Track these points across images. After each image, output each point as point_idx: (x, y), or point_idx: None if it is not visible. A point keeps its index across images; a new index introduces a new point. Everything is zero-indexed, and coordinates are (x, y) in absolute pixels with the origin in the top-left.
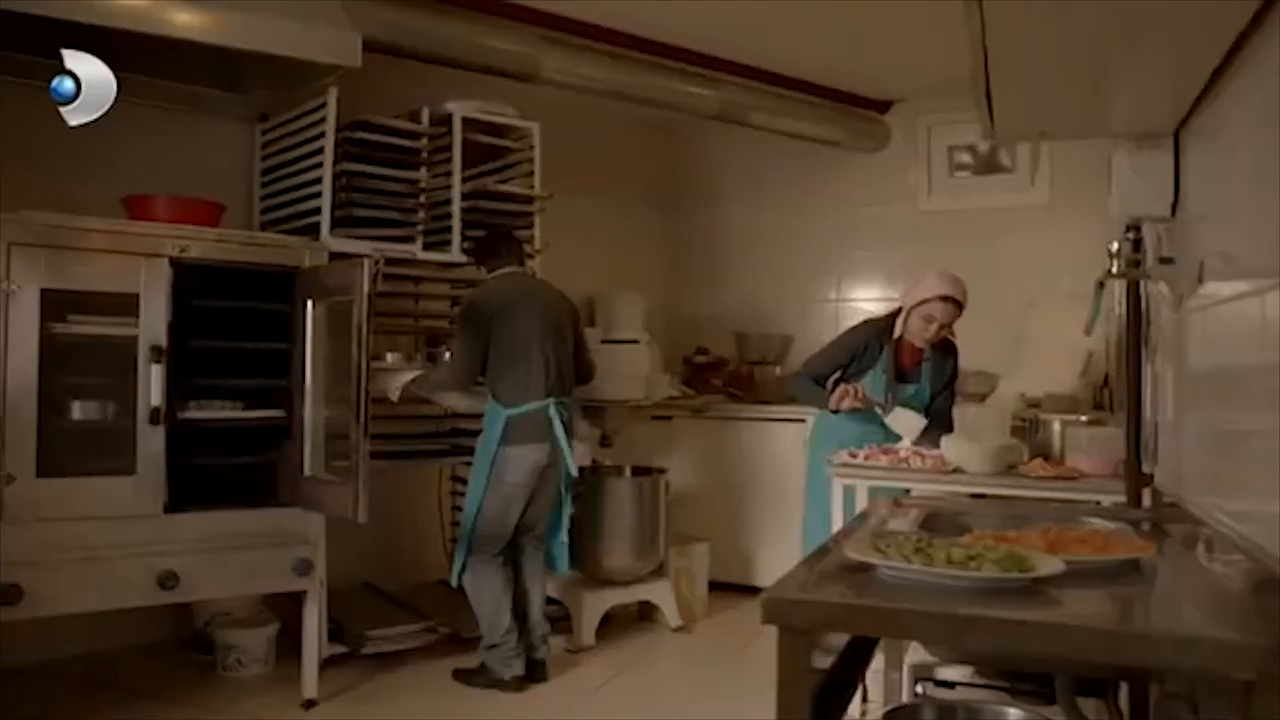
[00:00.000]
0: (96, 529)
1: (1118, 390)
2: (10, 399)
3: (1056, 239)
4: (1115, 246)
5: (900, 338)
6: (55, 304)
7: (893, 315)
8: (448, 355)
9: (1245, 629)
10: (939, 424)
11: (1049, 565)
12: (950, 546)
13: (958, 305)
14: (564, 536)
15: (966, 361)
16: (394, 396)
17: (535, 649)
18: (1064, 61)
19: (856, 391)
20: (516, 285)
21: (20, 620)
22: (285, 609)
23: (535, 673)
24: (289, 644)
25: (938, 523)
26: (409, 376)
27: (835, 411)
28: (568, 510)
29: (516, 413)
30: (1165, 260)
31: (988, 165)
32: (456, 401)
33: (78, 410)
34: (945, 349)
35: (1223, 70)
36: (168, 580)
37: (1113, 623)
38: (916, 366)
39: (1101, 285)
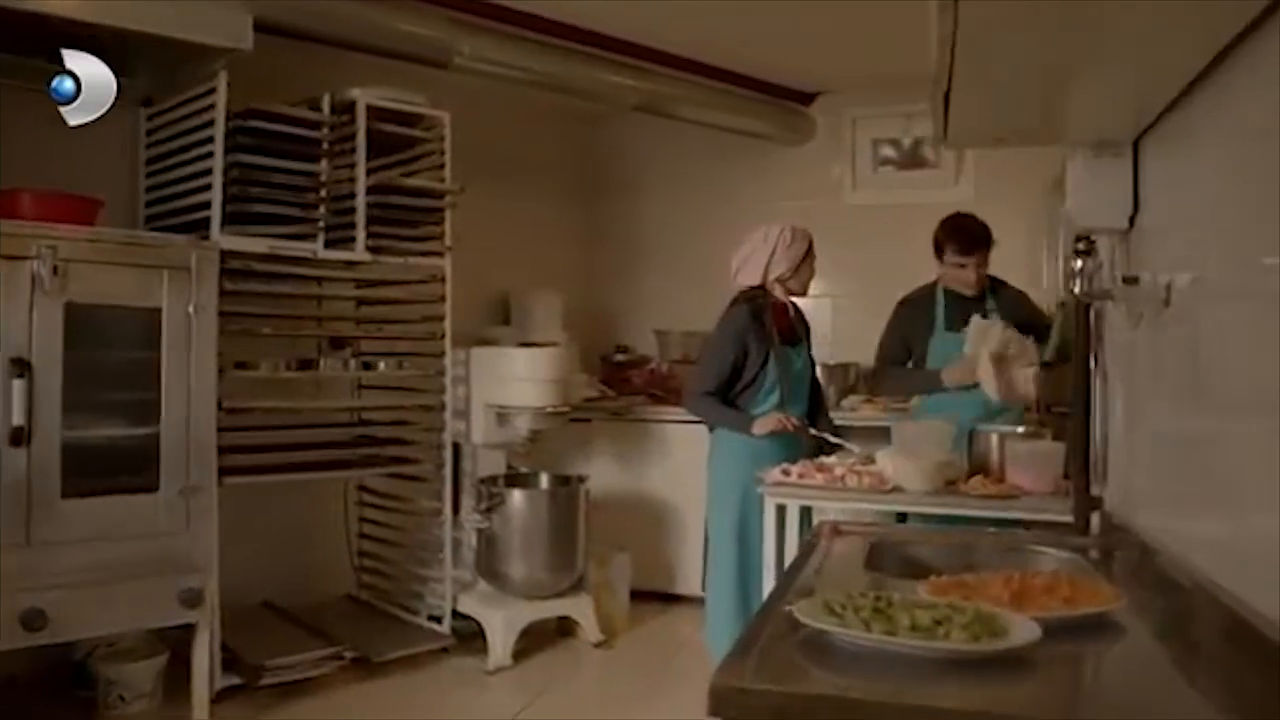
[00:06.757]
0: None
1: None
2: None
3: None
4: (1078, 265)
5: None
6: None
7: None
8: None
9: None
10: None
11: (1021, 631)
12: (913, 608)
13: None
14: None
15: None
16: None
17: None
18: (1036, 66)
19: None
20: None
21: None
22: (176, 635)
23: None
24: (181, 673)
25: (882, 557)
26: None
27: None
28: None
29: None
30: (1130, 280)
31: (912, 160)
32: None
33: None
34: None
35: (1197, 78)
36: (34, 620)
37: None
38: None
39: (1063, 306)
